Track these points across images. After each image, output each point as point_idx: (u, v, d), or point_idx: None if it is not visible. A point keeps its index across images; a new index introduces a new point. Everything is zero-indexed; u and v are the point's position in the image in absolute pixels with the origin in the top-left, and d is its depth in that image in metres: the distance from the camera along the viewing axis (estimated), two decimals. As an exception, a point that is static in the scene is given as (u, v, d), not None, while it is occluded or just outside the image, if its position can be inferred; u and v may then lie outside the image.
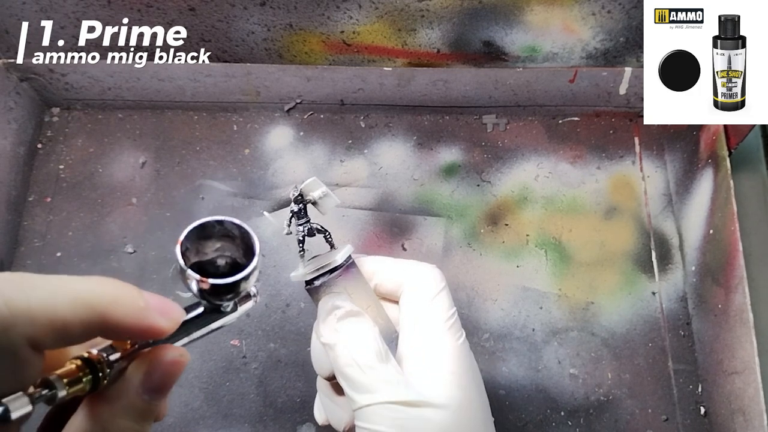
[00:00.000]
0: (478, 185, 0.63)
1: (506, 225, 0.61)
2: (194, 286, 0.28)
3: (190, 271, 0.27)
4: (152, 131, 0.64)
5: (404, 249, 0.60)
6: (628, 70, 0.61)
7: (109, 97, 0.63)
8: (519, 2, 0.54)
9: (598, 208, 0.62)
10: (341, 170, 0.63)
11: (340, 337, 0.37)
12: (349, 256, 0.40)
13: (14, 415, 0.22)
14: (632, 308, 0.59)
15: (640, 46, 0.58)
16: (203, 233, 0.29)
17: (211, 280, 0.27)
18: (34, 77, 0.61)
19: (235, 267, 0.29)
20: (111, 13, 0.55)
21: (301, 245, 0.41)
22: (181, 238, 0.28)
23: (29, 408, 0.23)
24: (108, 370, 0.25)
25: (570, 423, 0.55)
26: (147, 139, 0.64)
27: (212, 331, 0.31)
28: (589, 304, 0.59)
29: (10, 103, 0.60)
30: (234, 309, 0.31)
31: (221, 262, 0.30)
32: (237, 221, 0.29)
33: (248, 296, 0.32)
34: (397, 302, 0.40)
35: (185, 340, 0.29)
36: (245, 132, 0.64)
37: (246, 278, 0.28)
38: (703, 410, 0.55)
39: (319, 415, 0.42)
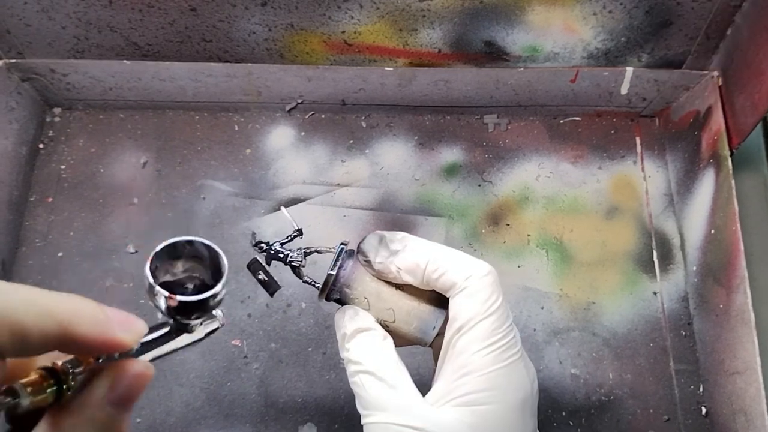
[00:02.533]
0: (480, 185, 0.63)
1: (507, 225, 0.61)
2: (162, 303, 0.28)
3: (158, 288, 0.27)
4: (153, 131, 0.64)
5: (405, 249, 0.60)
6: (629, 69, 0.61)
7: (111, 97, 0.63)
8: (520, 2, 0.54)
9: (599, 208, 0.62)
10: (342, 170, 0.63)
11: (350, 355, 0.37)
12: (341, 249, 0.40)
13: None
14: (633, 308, 0.59)
15: (641, 46, 0.58)
16: (173, 253, 0.29)
17: (180, 297, 0.27)
18: (36, 77, 0.61)
19: (203, 288, 0.29)
20: (112, 14, 0.55)
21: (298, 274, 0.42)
22: (151, 256, 0.28)
23: None
24: (72, 383, 0.25)
25: (571, 423, 0.55)
26: (148, 139, 0.64)
27: (177, 350, 0.31)
28: (591, 304, 0.59)
29: (12, 104, 0.60)
30: (199, 327, 0.32)
31: (189, 283, 0.30)
32: (207, 242, 0.29)
33: (214, 318, 0.32)
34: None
35: (149, 357, 0.29)
36: (246, 132, 0.65)
37: (214, 297, 0.28)
38: (704, 410, 0.55)
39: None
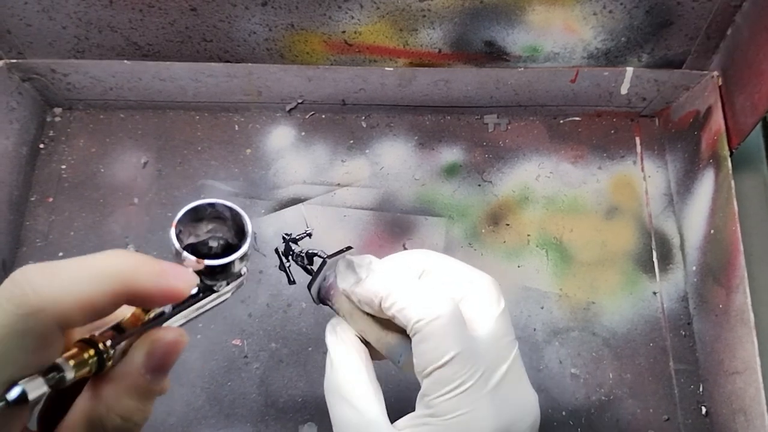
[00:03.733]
0: (480, 185, 0.63)
1: (507, 225, 0.62)
2: (189, 267, 0.28)
3: (185, 253, 0.28)
4: (154, 131, 0.64)
5: (405, 249, 0.60)
6: (629, 69, 0.61)
7: (111, 97, 0.63)
8: (520, 2, 0.54)
9: (599, 208, 0.62)
10: (343, 170, 0.63)
11: (327, 370, 0.38)
12: (323, 261, 0.39)
13: (31, 396, 0.23)
14: (633, 308, 0.59)
15: (641, 46, 0.58)
16: (196, 216, 0.30)
17: (207, 261, 0.28)
18: (36, 77, 0.61)
19: (227, 247, 0.30)
20: (113, 14, 0.55)
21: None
22: (176, 220, 0.29)
23: (45, 389, 0.23)
24: (112, 352, 0.26)
25: (571, 423, 0.55)
26: (149, 139, 0.64)
27: (207, 310, 0.31)
28: (590, 304, 0.59)
29: (12, 104, 0.60)
30: (225, 287, 0.32)
31: (213, 243, 0.31)
32: (228, 203, 0.30)
33: (238, 275, 0.32)
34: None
35: (182, 320, 0.30)
36: (247, 132, 0.65)
37: (240, 259, 0.29)
38: (704, 410, 0.55)
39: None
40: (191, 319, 0.31)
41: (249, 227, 0.29)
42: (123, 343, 0.27)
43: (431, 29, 0.57)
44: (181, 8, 0.55)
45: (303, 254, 0.41)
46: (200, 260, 0.28)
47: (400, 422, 0.36)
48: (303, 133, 0.65)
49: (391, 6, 0.54)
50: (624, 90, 0.63)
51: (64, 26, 0.56)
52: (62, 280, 0.24)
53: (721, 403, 0.53)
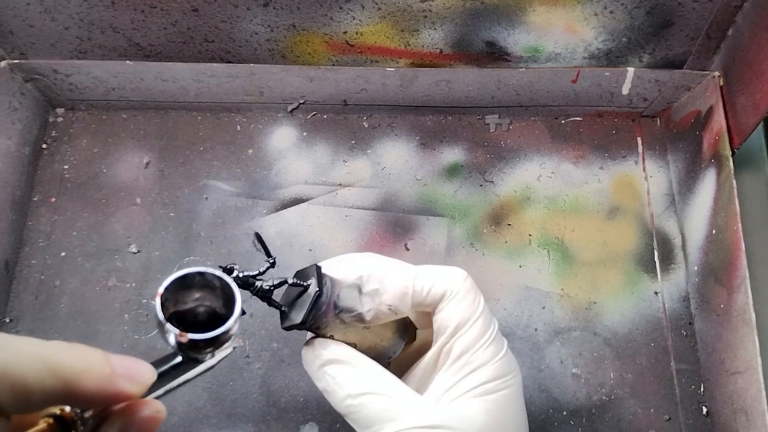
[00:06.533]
0: (481, 185, 0.63)
1: (509, 225, 0.62)
2: (172, 339, 0.27)
3: (168, 325, 0.27)
4: (156, 131, 0.64)
5: (407, 249, 0.60)
6: (630, 70, 0.61)
7: (113, 97, 0.63)
8: (521, 3, 0.54)
9: (600, 208, 0.62)
10: (344, 170, 0.63)
11: (333, 383, 0.36)
12: (317, 295, 0.36)
13: None
14: (635, 308, 0.59)
15: (642, 46, 0.59)
16: (184, 283, 0.28)
17: (190, 335, 0.27)
18: (39, 78, 0.61)
19: (214, 316, 0.29)
20: (115, 14, 0.55)
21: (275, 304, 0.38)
22: (161, 290, 0.27)
23: None
24: (82, 428, 0.25)
25: (572, 423, 0.55)
26: (151, 140, 0.64)
27: (190, 380, 0.30)
28: (592, 303, 0.59)
29: (15, 104, 0.60)
30: (212, 356, 0.30)
31: (201, 310, 0.29)
32: (218, 273, 0.28)
33: (226, 342, 0.31)
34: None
35: (161, 391, 0.28)
36: (249, 132, 0.65)
37: (225, 332, 0.28)
38: (705, 410, 0.55)
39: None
40: (173, 389, 0.29)
41: (238, 300, 0.28)
42: (96, 417, 0.25)
43: (432, 30, 0.57)
44: (183, 9, 0.55)
45: (270, 287, 0.37)
46: (183, 333, 0.27)
47: (428, 397, 0.36)
48: (305, 134, 0.65)
49: (393, 6, 0.54)
50: (625, 90, 0.63)
51: (66, 27, 0.57)
52: (3, 360, 0.22)
53: (722, 403, 0.53)
